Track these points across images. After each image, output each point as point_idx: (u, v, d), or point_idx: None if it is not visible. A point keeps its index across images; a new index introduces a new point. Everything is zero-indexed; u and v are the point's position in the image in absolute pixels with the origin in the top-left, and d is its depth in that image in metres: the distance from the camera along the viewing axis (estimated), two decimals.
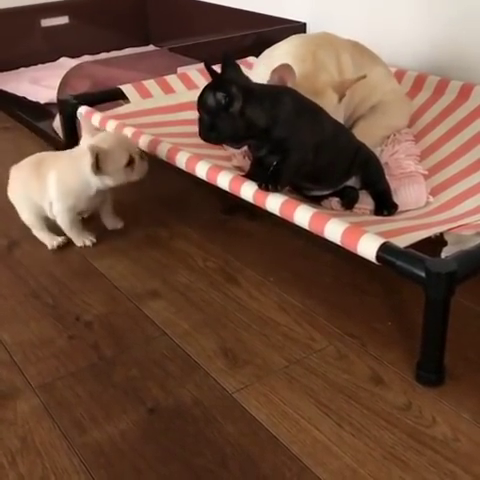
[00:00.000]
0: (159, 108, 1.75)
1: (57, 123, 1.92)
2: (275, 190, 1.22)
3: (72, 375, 1.12)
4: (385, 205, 1.35)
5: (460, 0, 1.79)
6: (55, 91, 1.93)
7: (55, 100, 1.94)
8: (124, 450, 0.98)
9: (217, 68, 1.24)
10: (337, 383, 1.08)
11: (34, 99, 2.31)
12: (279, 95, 1.26)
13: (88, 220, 1.56)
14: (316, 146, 1.27)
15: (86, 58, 2.66)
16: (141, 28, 2.96)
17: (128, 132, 1.52)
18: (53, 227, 1.50)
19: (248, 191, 1.25)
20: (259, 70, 1.56)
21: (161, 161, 1.45)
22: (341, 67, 1.50)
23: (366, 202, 1.37)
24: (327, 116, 1.33)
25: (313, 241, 1.35)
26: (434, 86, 1.76)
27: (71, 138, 1.72)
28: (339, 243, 1.11)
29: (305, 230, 1.17)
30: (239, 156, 1.49)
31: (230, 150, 1.49)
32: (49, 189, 1.43)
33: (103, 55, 2.76)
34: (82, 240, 1.49)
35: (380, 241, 1.05)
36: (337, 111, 1.42)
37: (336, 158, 1.33)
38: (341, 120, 1.46)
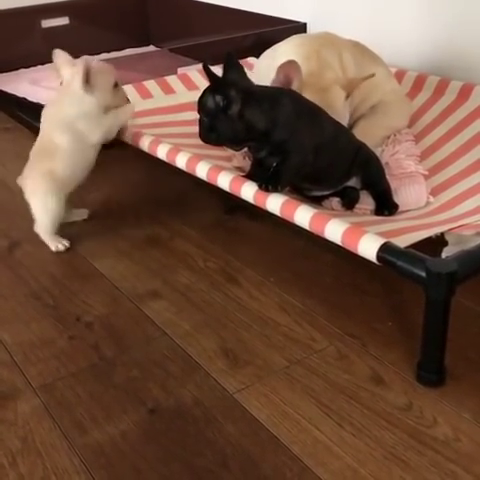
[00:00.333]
0: (159, 109, 1.75)
1: None
2: (275, 191, 1.22)
3: (73, 375, 1.12)
4: (386, 205, 1.34)
5: (461, 1, 1.79)
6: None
7: None
8: (125, 450, 0.98)
9: (218, 69, 1.24)
10: (338, 383, 1.08)
11: (34, 100, 2.30)
12: (278, 97, 1.25)
13: (88, 220, 1.57)
14: (316, 147, 1.27)
15: None
16: (141, 29, 2.95)
17: (128, 133, 1.52)
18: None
19: (248, 191, 1.25)
20: (260, 71, 1.56)
21: (161, 161, 1.45)
22: (344, 66, 1.50)
23: (367, 202, 1.37)
24: (327, 117, 1.33)
25: (313, 241, 1.35)
26: (434, 86, 1.76)
27: None
28: (339, 243, 1.11)
29: (305, 230, 1.17)
30: (239, 157, 1.49)
31: (230, 151, 1.49)
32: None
33: (103, 56, 2.75)
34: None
35: (381, 241, 1.05)
36: (345, 108, 1.42)
37: (336, 159, 1.33)
38: (347, 118, 1.45)
